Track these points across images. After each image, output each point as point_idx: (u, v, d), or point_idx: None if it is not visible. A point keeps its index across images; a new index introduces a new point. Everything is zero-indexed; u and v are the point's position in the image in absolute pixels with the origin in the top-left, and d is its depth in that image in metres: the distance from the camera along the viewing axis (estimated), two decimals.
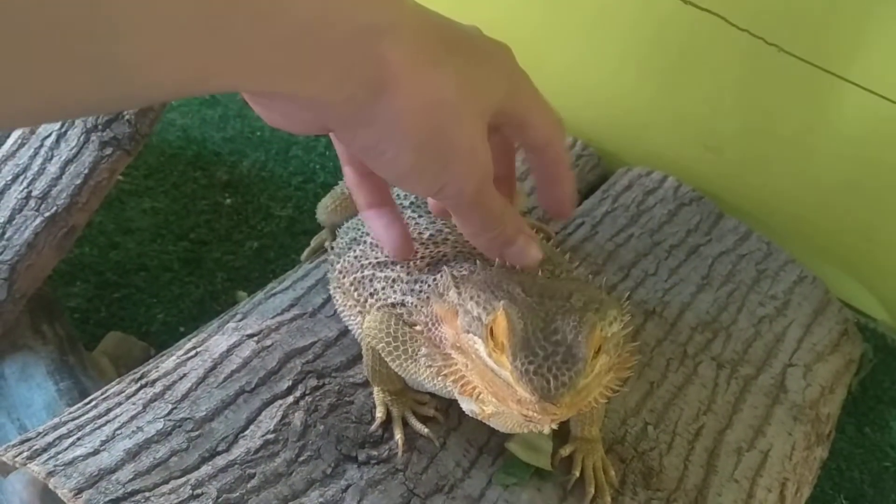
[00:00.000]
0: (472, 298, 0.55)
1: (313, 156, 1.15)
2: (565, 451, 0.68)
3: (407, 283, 0.66)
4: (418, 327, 0.62)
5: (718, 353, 0.83)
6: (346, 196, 0.85)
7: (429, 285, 0.65)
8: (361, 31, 0.40)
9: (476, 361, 0.54)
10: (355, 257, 0.72)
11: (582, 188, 1.05)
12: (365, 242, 0.73)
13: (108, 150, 0.81)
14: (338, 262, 0.75)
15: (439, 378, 0.61)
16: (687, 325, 0.85)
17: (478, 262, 0.63)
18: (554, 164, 0.58)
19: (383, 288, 0.68)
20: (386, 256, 0.69)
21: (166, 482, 0.60)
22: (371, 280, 0.69)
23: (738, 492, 0.72)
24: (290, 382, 0.69)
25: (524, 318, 0.51)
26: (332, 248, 0.78)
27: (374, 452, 0.66)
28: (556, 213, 0.61)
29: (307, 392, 0.69)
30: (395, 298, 0.67)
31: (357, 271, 0.71)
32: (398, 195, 0.77)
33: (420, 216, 0.74)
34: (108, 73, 0.32)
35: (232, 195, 1.09)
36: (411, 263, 0.67)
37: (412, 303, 0.65)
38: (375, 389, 0.68)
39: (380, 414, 0.67)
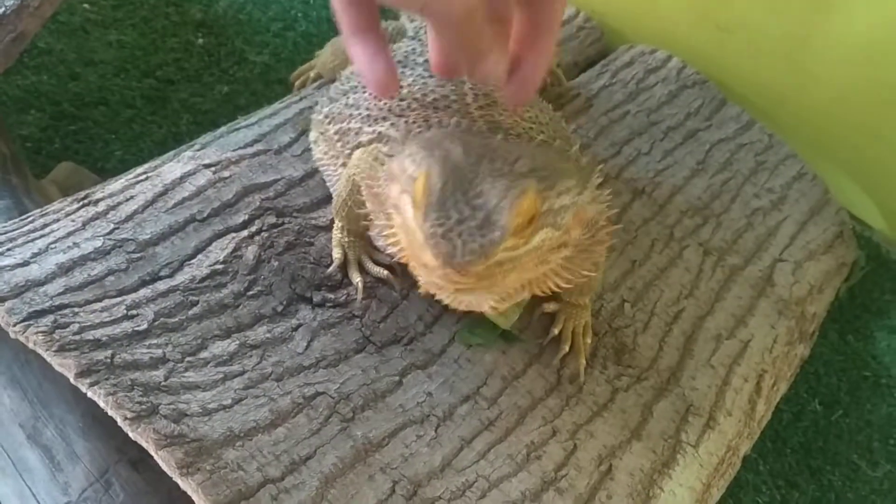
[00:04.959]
0: (409, 155, 0.49)
1: (295, 2, 1.07)
2: (549, 307, 0.64)
3: (397, 141, 0.60)
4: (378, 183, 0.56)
5: (706, 240, 0.79)
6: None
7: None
8: None
9: (405, 221, 0.49)
10: (346, 105, 0.67)
11: (580, 61, 0.98)
12: (364, 91, 0.67)
13: None
14: (326, 107, 0.69)
15: (382, 238, 0.56)
16: (676, 209, 0.80)
17: (472, 132, 0.57)
18: (545, 24, 0.51)
19: (370, 142, 0.62)
20: (379, 110, 0.63)
21: (99, 300, 0.55)
22: (357, 133, 0.64)
23: (713, 377, 0.68)
24: (246, 217, 0.64)
25: (446, 177, 0.46)
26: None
27: (331, 296, 0.61)
28: (515, 91, 0.52)
29: (264, 228, 0.63)
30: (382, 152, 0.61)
31: (344, 121, 0.66)
32: (413, 50, 0.71)
33: (431, 76, 0.67)
34: None
35: (205, 35, 1.01)
36: (402, 123, 0.61)
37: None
38: (335, 228, 0.63)
39: (337, 255, 0.62)
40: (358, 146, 0.63)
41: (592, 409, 0.61)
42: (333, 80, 0.77)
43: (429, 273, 0.45)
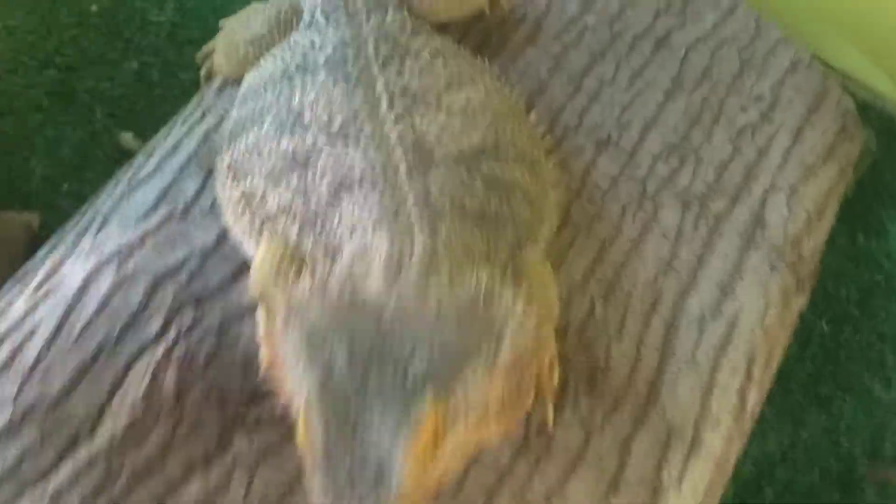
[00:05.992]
0: (290, 359, 0.44)
1: None
2: None
3: (306, 216, 0.53)
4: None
5: (685, 188, 0.70)
6: (250, 41, 0.67)
7: (325, 228, 0.52)
8: None
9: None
10: (246, 149, 0.58)
11: None
12: (263, 124, 0.58)
13: None
14: (227, 150, 0.60)
15: None
16: (648, 153, 0.71)
17: (387, 188, 0.51)
18: None
19: (275, 216, 0.55)
20: (283, 157, 0.55)
21: (21, 496, 0.52)
22: (263, 197, 0.55)
23: (696, 379, 0.63)
24: (161, 321, 0.58)
25: (329, 418, 0.41)
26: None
27: (266, 413, 0.56)
28: None
29: (181, 334, 0.58)
30: (291, 237, 0.53)
31: (247, 177, 0.57)
32: (313, 44, 0.62)
33: (335, 84, 0.57)
34: None
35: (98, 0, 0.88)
36: (308, 184, 0.53)
37: (307, 249, 0.52)
38: (259, 316, 0.56)
39: (265, 355, 0.56)
40: (267, 219, 0.56)
41: (565, 466, 0.58)
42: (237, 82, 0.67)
43: None
